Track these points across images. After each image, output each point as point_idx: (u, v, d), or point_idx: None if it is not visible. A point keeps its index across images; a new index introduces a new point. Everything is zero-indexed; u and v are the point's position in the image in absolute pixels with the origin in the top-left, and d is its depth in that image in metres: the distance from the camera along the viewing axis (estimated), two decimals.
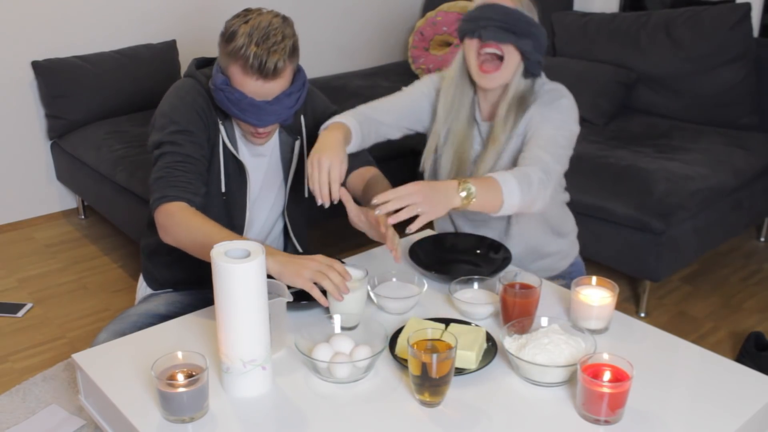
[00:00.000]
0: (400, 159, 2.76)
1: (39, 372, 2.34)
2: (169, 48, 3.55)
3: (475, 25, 1.59)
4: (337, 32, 4.18)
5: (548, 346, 1.28)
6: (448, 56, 3.84)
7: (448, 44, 3.94)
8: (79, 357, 1.37)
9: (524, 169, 1.51)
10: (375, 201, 1.37)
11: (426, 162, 1.81)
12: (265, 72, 1.51)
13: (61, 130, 3.33)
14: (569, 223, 1.91)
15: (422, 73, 3.96)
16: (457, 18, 3.88)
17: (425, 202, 1.36)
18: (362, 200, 1.73)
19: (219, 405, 1.22)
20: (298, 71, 1.62)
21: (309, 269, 1.36)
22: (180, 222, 1.49)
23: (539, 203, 1.51)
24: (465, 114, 1.72)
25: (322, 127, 1.65)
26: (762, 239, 3.32)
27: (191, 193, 1.54)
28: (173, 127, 1.59)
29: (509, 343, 1.31)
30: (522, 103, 1.65)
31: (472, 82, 1.69)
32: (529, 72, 1.64)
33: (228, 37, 1.53)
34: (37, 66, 3.25)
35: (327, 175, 1.49)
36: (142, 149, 2.99)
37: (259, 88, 1.54)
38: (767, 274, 3.03)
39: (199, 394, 1.17)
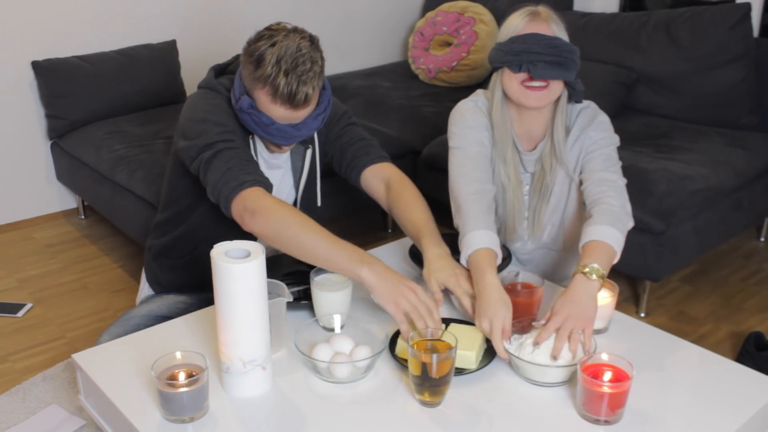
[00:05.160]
0: (400, 159, 2.76)
1: (39, 372, 2.34)
2: (169, 48, 3.55)
3: (519, 59, 1.56)
4: (337, 32, 4.18)
5: (548, 346, 1.29)
6: (448, 56, 3.84)
7: (448, 44, 3.94)
8: (79, 357, 1.37)
9: (604, 207, 1.53)
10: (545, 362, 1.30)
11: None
12: (295, 103, 1.50)
13: (61, 130, 3.33)
14: None
15: (422, 73, 3.96)
16: (457, 18, 3.88)
17: (579, 320, 1.31)
18: (388, 208, 1.69)
19: (219, 405, 1.22)
20: (324, 88, 1.60)
21: (408, 301, 1.33)
22: (275, 208, 1.41)
23: (630, 222, 1.58)
24: (511, 144, 1.70)
25: (466, 256, 1.49)
26: (762, 239, 3.32)
27: (267, 182, 1.50)
28: (220, 128, 1.55)
29: (511, 346, 1.32)
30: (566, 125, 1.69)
31: (507, 112, 1.69)
32: (573, 98, 1.66)
33: (255, 61, 1.48)
34: (37, 66, 3.25)
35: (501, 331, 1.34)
36: (143, 149, 2.99)
37: (287, 115, 1.53)
38: (767, 274, 3.03)
39: (199, 394, 1.17)
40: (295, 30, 1.52)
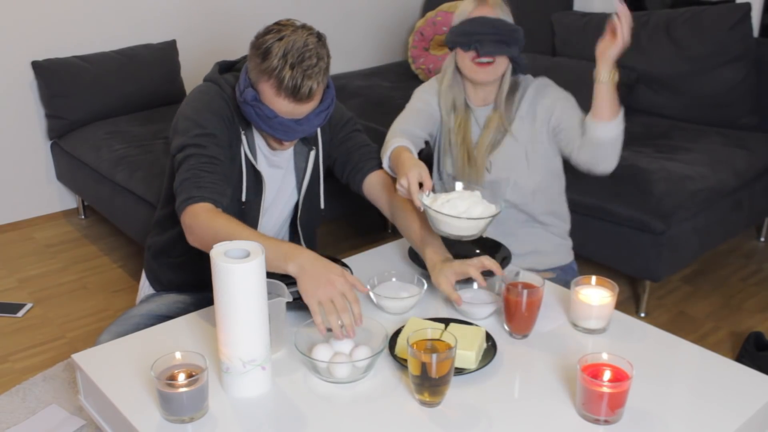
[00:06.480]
0: None
1: (39, 372, 2.34)
2: (169, 48, 3.55)
3: (469, 39, 1.78)
4: (337, 32, 4.18)
5: (456, 201, 1.45)
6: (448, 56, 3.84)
7: None
8: (79, 357, 1.37)
9: None
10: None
11: (443, 158, 1.97)
12: (299, 96, 1.50)
13: (61, 130, 3.33)
14: (566, 210, 2.05)
15: (422, 73, 3.96)
16: None
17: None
18: (390, 215, 1.70)
19: (219, 405, 1.22)
20: (328, 87, 1.60)
21: (325, 295, 1.32)
22: (204, 223, 1.45)
23: (619, 151, 1.77)
24: (461, 104, 1.90)
25: (386, 160, 1.70)
26: (762, 239, 3.32)
27: (217, 193, 1.52)
28: (197, 131, 1.57)
29: (426, 199, 1.48)
30: (513, 90, 1.88)
31: (461, 80, 1.90)
32: (517, 70, 1.87)
33: (262, 54, 1.49)
34: (37, 66, 3.25)
35: (417, 185, 1.51)
36: (142, 149, 2.99)
37: (290, 109, 1.53)
38: (767, 274, 3.03)
39: (199, 394, 1.17)
40: (304, 26, 1.54)
